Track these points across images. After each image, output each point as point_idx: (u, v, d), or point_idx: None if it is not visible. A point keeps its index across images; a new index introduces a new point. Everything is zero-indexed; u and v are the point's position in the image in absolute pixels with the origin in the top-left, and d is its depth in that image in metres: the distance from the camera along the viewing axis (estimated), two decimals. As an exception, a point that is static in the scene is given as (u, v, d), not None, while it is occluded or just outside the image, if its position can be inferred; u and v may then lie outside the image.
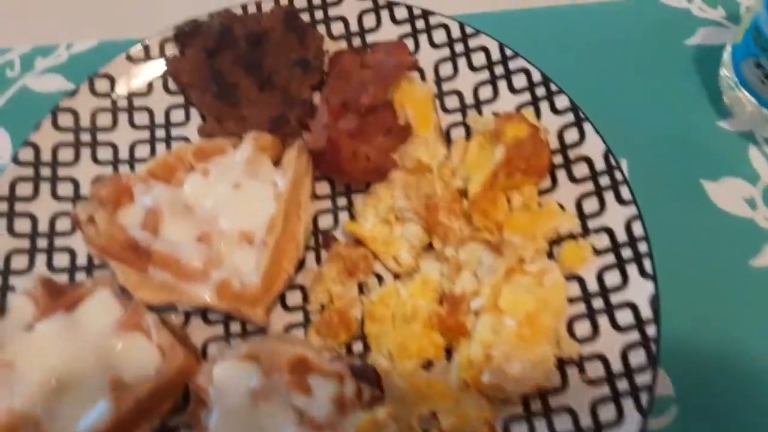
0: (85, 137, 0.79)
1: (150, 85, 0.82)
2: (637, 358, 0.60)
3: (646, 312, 0.62)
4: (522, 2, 0.89)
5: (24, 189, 0.75)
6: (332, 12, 0.83)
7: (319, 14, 0.83)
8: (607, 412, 0.60)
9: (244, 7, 0.83)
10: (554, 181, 0.71)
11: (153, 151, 0.79)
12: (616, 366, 0.61)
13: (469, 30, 0.78)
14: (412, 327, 0.64)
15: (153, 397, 0.61)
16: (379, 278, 0.70)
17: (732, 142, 0.77)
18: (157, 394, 0.61)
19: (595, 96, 0.75)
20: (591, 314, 0.65)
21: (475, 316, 0.63)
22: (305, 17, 0.83)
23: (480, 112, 0.76)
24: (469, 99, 0.78)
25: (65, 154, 0.77)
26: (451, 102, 0.78)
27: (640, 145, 0.77)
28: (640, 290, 0.63)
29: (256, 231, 0.68)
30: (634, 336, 0.61)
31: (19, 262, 0.72)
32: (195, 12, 0.83)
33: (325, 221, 0.74)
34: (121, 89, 0.81)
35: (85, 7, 0.97)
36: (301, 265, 0.71)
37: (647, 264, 0.63)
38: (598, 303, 0.65)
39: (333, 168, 0.71)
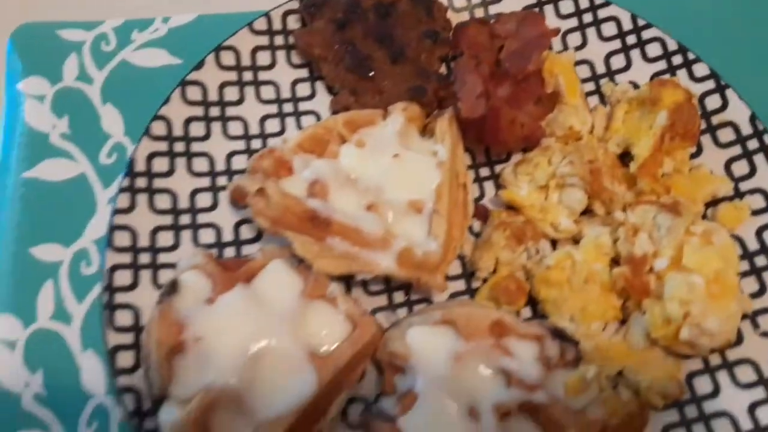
0: (215, 111, 0.76)
1: (274, 59, 0.80)
2: (814, 308, 0.63)
3: (814, 264, 0.65)
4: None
5: (160, 164, 0.72)
6: (455, -17, 0.83)
7: (441, -14, 0.83)
8: (790, 360, 0.62)
9: (365, -21, 0.82)
10: (699, 146, 0.73)
11: (283, 126, 0.77)
12: (792, 318, 0.64)
13: (598, 0, 0.80)
14: (591, 290, 0.65)
15: (350, 366, 0.60)
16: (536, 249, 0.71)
17: None
18: (353, 362, 0.60)
19: (724, 67, 0.76)
20: (756, 271, 0.67)
21: (655, 278, 0.64)
22: (428, -12, 0.82)
23: (614, 81, 0.78)
24: (600, 68, 0.79)
25: (197, 129, 0.75)
26: (582, 72, 0.79)
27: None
28: (803, 246, 0.66)
29: (424, 200, 0.67)
30: (806, 288, 0.64)
31: (166, 239, 0.69)
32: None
33: (472, 191, 0.74)
34: (246, 62, 0.78)
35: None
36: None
37: (807, 221, 0.66)
38: (761, 260, 0.67)
39: (490, 136, 0.71)
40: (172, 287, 0.61)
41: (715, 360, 0.64)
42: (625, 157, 0.72)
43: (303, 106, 0.79)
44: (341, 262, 0.64)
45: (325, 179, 0.67)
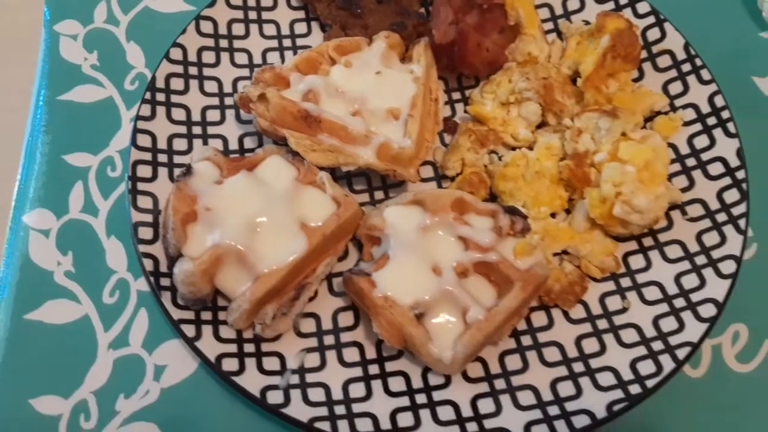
0: (224, 43, 0.88)
1: (275, 1, 0.92)
2: (731, 196, 0.74)
3: (734, 161, 0.76)
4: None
5: (176, 84, 0.84)
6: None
7: (420, -61, 0.95)
8: (711, 239, 0.73)
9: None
10: (641, 72, 0.85)
11: (283, 58, 0.89)
12: (714, 204, 0.75)
13: (556, -48, 0.92)
14: (542, 182, 0.76)
15: (334, 236, 0.71)
16: (498, 156, 0.82)
17: (773, 47, 0.92)
18: (337, 233, 0.71)
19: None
20: (686, 170, 0.78)
21: (596, 170, 0.75)
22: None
23: (570, 21, 0.90)
24: (558, 10, 0.91)
25: (208, 57, 0.87)
26: (543, 13, 0.91)
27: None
28: (726, 147, 0.77)
29: (401, 108, 0.79)
30: (726, 181, 0.75)
31: (180, 144, 0.81)
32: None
33: (444, 111, 0.86)
34: (251, 2, 0.91)
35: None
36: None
37: (731, 126, 0.78)
38: (691, 161, 0.78)
39: (459, 58, 0.82)
40: (187, 170, 0.73)
41: (648, 242, 0.75)
42: (575, 81, 0.83)
43: (300, 42, 0.91)
44: (329, 155, 0.75)
45: (317, 90, 0.78)
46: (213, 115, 0.84)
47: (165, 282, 0.71)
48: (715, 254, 0.72)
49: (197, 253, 0.68)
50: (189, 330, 0.68)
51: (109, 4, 0.97)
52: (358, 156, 0.75)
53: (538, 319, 0.72)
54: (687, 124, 0.80)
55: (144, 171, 0.77)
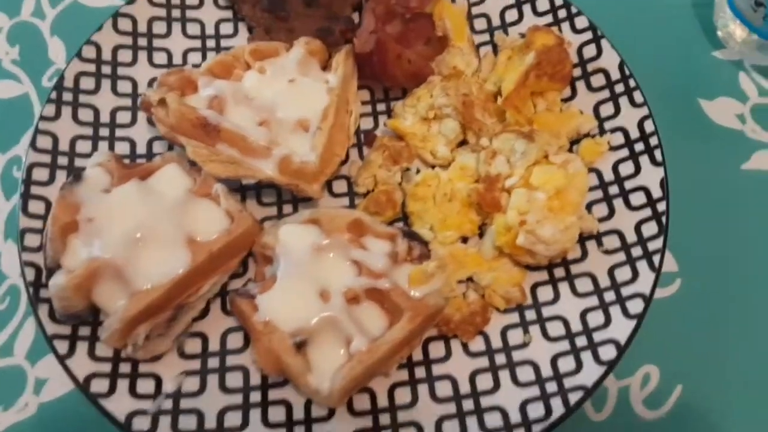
0: (142, 41, 0.85)
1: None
2: (649, 229, 0.70)
3: (657, 192, 0.71)
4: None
5: (87, 83, 0.81)
6: (371, -60, 0.91)
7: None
8: (623, 274, 0.69)
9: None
10: (574, 91, 0.80)
11: (204, 58, 0.86)
12: (631, 237, 0.70)
13: (497, -42, 0.87)
14: (452, 205, 0.72)
15: (223, 254, 0.68)
16: (417, 170, 0.78)
17: (725, 69, 0.87)
18: (226, 251, 0.68)
19: (603, 28, 0.83)
20: (607, 198, 0.74)
21: (508, 195, 0.71)
22: (346, -56, 0.90)
23: (506, 33, 0.85)
24: (496, 21, 0.87)
25: (124, 55, 0.84)
26: (480, 24, 0.87)
27: (644, 73, 0.83)
28: (651, 176, 0.72)
29: (310, 119, 0.75)
30: (647, 212, 0.71)
31: (84, 146, 0.78)
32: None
33: (366, 123, 0.82)
34: (176, 1, 0.87)
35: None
36: (346, 159, 0.79)
37: (658, 154, 0.73)
38: (613, 189, 0.74)
39: (378, 70, 0.78)
40: (75, 177, 0.69)
41: (559, 273, 0.71)
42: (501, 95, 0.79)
43: (225, 42, 0.87)
44: (228, 166, 0.71)
45: (224, 96, 0.75)
46: (123, 117, 0.81)
47: (45, 293, 0.68)
48: (625, 291, 0.67)
49: (74, 265, 0.65)
50: (61, 346, 0.65)
51: (38, -4, 0.94)
52: (258, 169, 0.72)
53: (436, 349, 0.68)
54: (614, 149, 0.76)
55: (40, 174, 0.74)
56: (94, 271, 0.64)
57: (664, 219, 0.69)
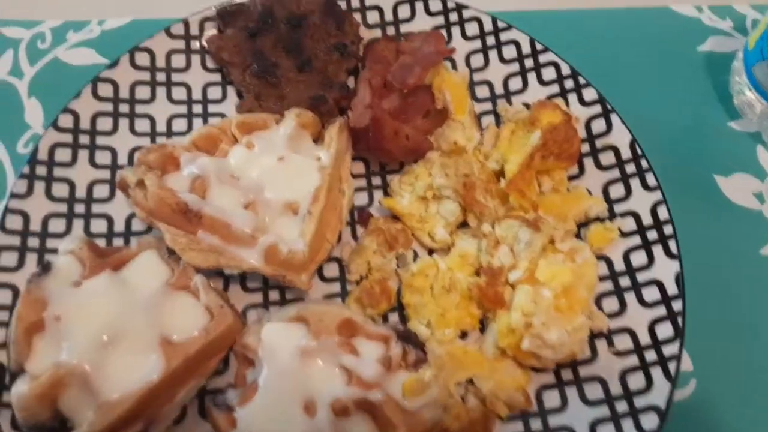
0: (124, 108, 0.80)
1: (188, 62, 0.83)
2: (665, 331, 0.64)
3: (672, 289, 0.66)
4: (545, 3, 0.94)
5: (63, 155, 0.76)
6: (368, 1, 0.86)
7: (355, 2, 0.86)
8: (636, 381, 0.63)
9: (284, -9, 0.86)
10: (581, 168, 0.75)
11: (190, 126, 0.81)
12: (644, 338, 0.65)
13: (501, 24, 0.83)
14: (451, 298, 0.67)
15: (201, 356, 0.62)
16: (415, 254, 0.73)
17: (742, 142, 0.82)
18: (205, 352, 0.62)
19: (613, 95, 0.78)
20: (618, 291, 0.68)
21: (511, 289, 0.66)
22: (342, 4, 0.85)
23: (510, 102, 0.80)
24: (499, 89, 0.82)
25: (104, 124, 0.79)
26: (482, 92, 0.82)
27: (657, 143, 0.80)
28: (665, 269, 0.67)
29: (300, 201, 0.70)
30: (661, 311, 0.66)
31: (57, 225, 0.73)
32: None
33: (360, 199, 0.77)
34: (160, 63, 0.82)
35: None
36: (338, 238, 0.73)
37: (672, 245, 0.68)
38: (625, 281, 0.69)
39: (374, 146, 0.73)
40: (44, 268, 0.64)
41: (567, 375, 0.66)
42: (504, 174, 0.74)
43: (212, 108, 0.82)
44: (209, 255, 0.66)
45: (207, 175, 0.70)
46: (101, 191, 0.76)
47: (7, 398, 0.62)
48: (639, 402, 0.62)
49: (39, 370, 0.60)
50: (23, 460, 0.60)
51: (16, 53, 0.89)
52: (242, 259, 0.67)
53: (432, 461, 0.63)
54: (625, 235, 0.71)
55: (8, 259, 0.69)
56: (59, 378, 0.59)
57: (680, 320, 0.64)
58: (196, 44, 0.84)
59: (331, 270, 0.73)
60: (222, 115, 0.81)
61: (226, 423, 0.58)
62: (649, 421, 0.60)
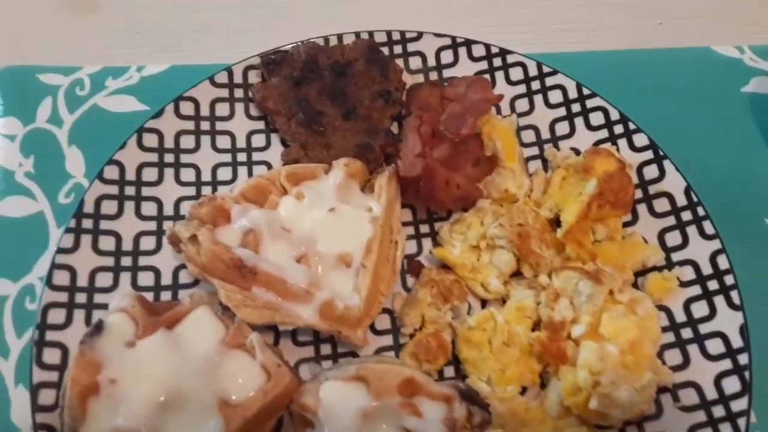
0: (169, 158, 0.79)
1: (232, 110, 0.83)
2: (732, 385, 0.63)
3: (737, 341, 0.65)
4: (582, 45, 0.93)
5: (108, 207, 0.75)
6: (411, 47, 0.86)
7: (397, 48, 0.86)
8: (706, 439, 0.62)
9: (326, 39, 0.85)
10: (634, 214, 0.74)
11: (235, 174, 0.80)
12: (710, 393, 0.63)
13: (546, 69, 0.82)
14: (510, 353, 0.65)
15: (259, 417, 0.61)
16: (469, 306, 0.72)
17: (792, 184, 0.81)
18: (263, 413, 0.61)
19: (657, 136, 0.77)
20: (681, 343, 0.67)
21: (573, 344, 0.64)
22: (384, 50, 0.85)
23: (557, 147, 0.79)
24: (545, 134, 0.81)
25: (149, 174, 0.78)
26: (528, 136, 0.81)
27: (704, 186, 0.78)
28: (729, 321, 0.66)
29: (353, 254, 0.69)
30: (726, 364, 0.64)
31: (104, 279, 0.72)
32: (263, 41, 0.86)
33: (409, 247, 0.76)
34: (205, 112, 0.82)
35: (154, 34, 0.98)
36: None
37: (735, 296, 0.66)
38: (687, 333, 0.67)
39: (425, 195, 0.72)
40: (96, 328, 0.63)
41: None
42: (558, 222, 0.73)
43: (256, 156, 0.82)
44: (264, 312, 0.65)
45: (260, 229, 0.68)
46: (147, 243, 0.75)
47: (60, 463, 0.61)
48: (711, 462, 0.60)
49: (95, 436, 0.58)
50: None
51: (56, 101, 0.89)
52: (298, 315, 0.65)
53: None
54: (684, 284, 0.69)
55: (56, 316, 0.68)
56: (117, 445, 0.57)
57: (747, 374, 0.63)
58: (239, 93, 0.84)
59: (383, 322, 0.72)
60: (266, 163, 0.81)
61: (290, 489, 0.56)
62: (724, 483, 0.59)
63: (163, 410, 0.59)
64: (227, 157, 0.81)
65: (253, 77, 0.85)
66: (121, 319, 0.64)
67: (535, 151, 0.80)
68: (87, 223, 0.73)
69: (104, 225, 0.74)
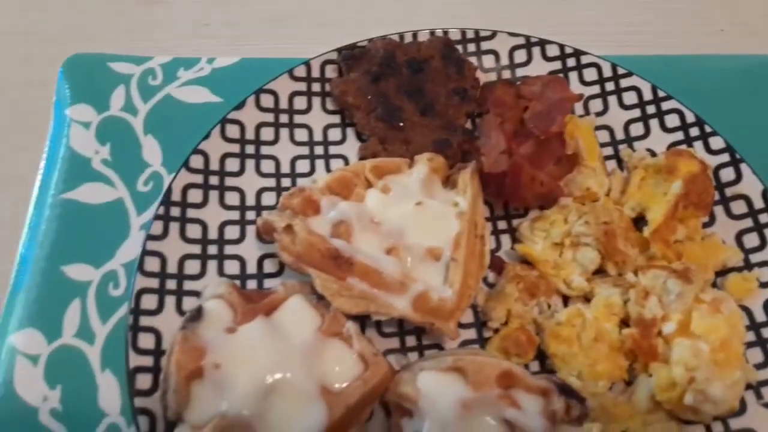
0: (250, 149, 0.80)
1: (309, 104, 0.84)
2: (815, 383, 0.64)
3: (820, 342, 0.66)
4: (647, 49, 0.95)
5: (194, 196, 0.76)
6: (484, 45, 0.87)
7: (471, 47, 0.87)
8: (791, 435, 0.63)
9: (401, 36, 0.86)
10: (712, 216, 0.76)
11: (313, 167, 0.81)
12: (796, 392, 0.65)
13: (621, 70, 0.83)
14: (600, 348, 0.67)
15: (360, 405, 0.62)
16: (548, 304, 0.73)
17: None
18: (363, 401, 0.62)
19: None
20: (761, 342, 0.68)
21: (663, 341, 0.66)
22: (458, 48, 0.86)
23: (632, 148, 0.81)
24: (619, 135, 0.82)
25: (232, 164, 0.79)
26: (602, 137, 0.82)
27: None
28: (810, 321, 0.67)
29: (442, 248, 0.70)
30: (809, 363, 0.66)
31: (193, 267, 0.73)
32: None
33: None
34: (284, 105, 0.83)
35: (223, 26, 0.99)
36: (479, 285, 0.73)
37: (815, 296, 0.68)
38: (767, 332, 0.69)
39: (510, 192, 0.74)
40: (197, 314, 0.64)
41: (717, 428, 0.65)
42: (638, 221, 0.75)
43: (333, 150, 0.83)
44: (359, 302, 0.66)
45: (350, 220, 0.69)
46: (232, 232, 0.76)
47: (161, 445, 0.62)
48: (798, 457, 0.62)
49: (200, 420, 0.59)
50: None
51: (128, 90, 0.89)
52: (392, 305, 0.66)
53: None
54: (764, 285, 0.71)
55: (149, 302, 0.69)
56: (223, 429, 0.58)
57: (833, 373, 0.64)
58: (316, 87, 0.85)
59: (467, 316, 0.73)
60: (343, 157, 0.82)
61: (396, 475, 0.57)
62: (814, 476, 0.60)
63: (267, 395, 0.60)
64: (305, 150, 0.82)
65: (330, 72, 0.86)
66: (219, 306, 0.65)
67: (609, 151, 0.82)
68: (175, 211, 0.74)
69: (191, 213, 0.75)
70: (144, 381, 0.65)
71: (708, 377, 0.61)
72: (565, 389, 0.62)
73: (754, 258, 0.73)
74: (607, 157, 0.82)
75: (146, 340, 0.67)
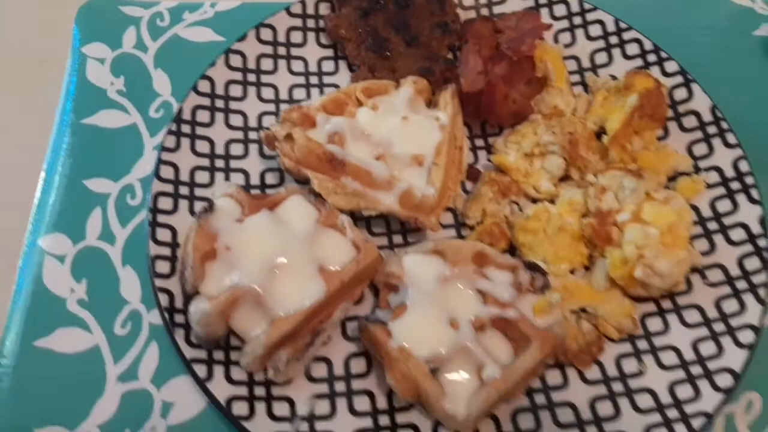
0: (251, 77, 0.89)
1: (305, 38, 0.93)
2: (752, 263, 0.74)
3: (756, 228, 0.75)
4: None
5: (202, 116, 0.84)
6: (464, -15, 0.96)
7: (451, -14, 0.96)
8: (730, 306, 0.72)
9: (389, -24, 0.95)
10: (666, 130, 0.85)
11: (308, 95, 0.90)
12: (734, 271, 0.74)
13: (587, 5, 0.92)
14: (563, 237, 0.76)
15: (353, 282, 0.71)
16: (517, 205, 0.82)
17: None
18: (356, 279, 0.71)
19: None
20: (707, 234, 0.78)
21: (618, 230, 0.75)
22: (441, -13, 0.95)
23: (597, 74, 0.90)
24: (586, 63, 0.91)
25: (235, 90, 0.87)
26: (570, 65, 0.91)
27: (733, 113, 0.86)
28: (749, 213, 0.77)
29: (425, 155, 0.79)
30: (748, 248, 0.75)
31: (202, 177, 0.81)
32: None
33: (467, 158, 0.86)
34: (281, 39, 0.91)
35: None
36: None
37: (754, 192, 0.77)
38: (713, 225, 0.78)
39: (486, 108, 0.83)
40: (209, 207, 0.73)
41: (666, 304, 0.75)
42: (600, 136, 0.84)
43: (327, 79, 0.91)
44: (351, 198, 0.75)
45: (343, 131, 0.78)
46: (236, 149, 0.84)
47: (179, 319, 0.70)
48: (734, 322, 0.71)
49: (214, 292, 0.68)
50: (201, 370, 0.68)
51: (139, 30, 0.98)
52: (380, 201, 0.75)
53: (553, 377, 0.71)
54: (710, 186, 0.80)
55: (165, 203, 0.77)
56: (236, 298, 0.67)
57: (766, 254, 0.73)
58: (311, 23, 0.93)
59: (447, 218, 0.82)
60: (335, 86, 0.90)
61: (384, 334, 0.66)
62: (746, 336, 0.70)
63: (273, 272, 0.69)
64: (301, 80, 0.91)
65: (323, 9, 0.94)
66: (228, 202, 0.74)
67: (577, 78, 0.91)
68: (185, 128, 0.82)
69: (199, 131, 0.83)
70: (163, 266, 0.73)
71: (656, 254, 0.70)
72: (530, 265, 0.72)
73: (702, 164, 0.82)
74: (575, 84, 0.90)
75: (163, 234, 0.75)
